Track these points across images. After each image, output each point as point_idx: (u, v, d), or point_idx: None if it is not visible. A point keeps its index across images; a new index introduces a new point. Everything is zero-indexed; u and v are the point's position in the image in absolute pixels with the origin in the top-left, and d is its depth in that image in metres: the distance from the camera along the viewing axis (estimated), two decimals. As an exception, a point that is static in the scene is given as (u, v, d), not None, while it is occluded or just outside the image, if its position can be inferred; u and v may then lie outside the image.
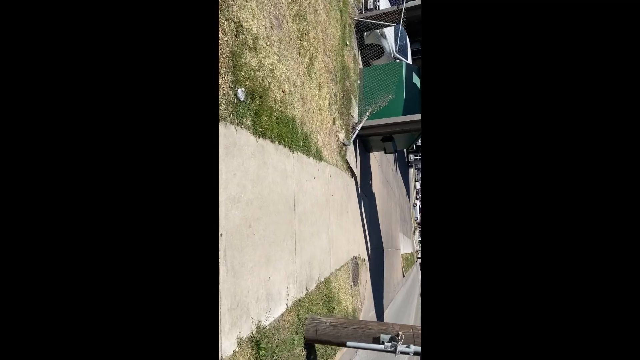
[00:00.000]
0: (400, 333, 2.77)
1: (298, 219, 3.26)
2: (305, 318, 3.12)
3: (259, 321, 2.44)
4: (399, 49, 8.13)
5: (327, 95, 4.46)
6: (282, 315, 2.80)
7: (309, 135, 3.64)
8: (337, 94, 4.91)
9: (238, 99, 2.27)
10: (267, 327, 2.52)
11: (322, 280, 3.87)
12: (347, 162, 5.36)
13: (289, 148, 3.10)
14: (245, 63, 2.36)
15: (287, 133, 3.02)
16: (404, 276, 13.70)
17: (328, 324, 3.05)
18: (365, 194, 6.96)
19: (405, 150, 15.62)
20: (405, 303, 13.88)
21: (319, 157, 3.96)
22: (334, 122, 4.70)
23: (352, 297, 5.18)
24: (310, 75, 3.74)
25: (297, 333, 2.94)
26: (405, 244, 15.32)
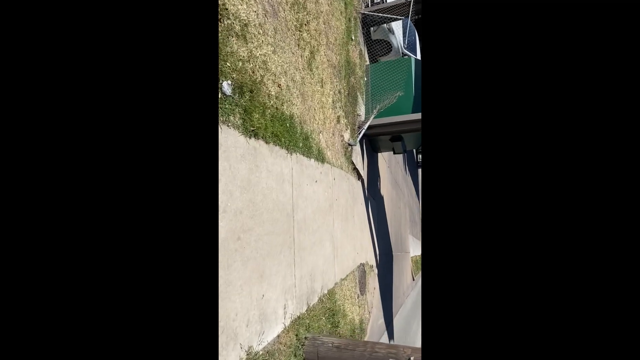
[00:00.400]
0: (412, 358, 2.42)
1: (297, 228, 2.94)
2: (306, 338, 2.80)
3: (250, 347, 2.12)
4: (407, 44, 7.76)
5: (331, 92, 4.13)
6: (278, 336, 2.48)
7: (309, 135, 3.32)
8: (342, 90, 4.58)
9: (223, 93, 1.96)
10: (260, 353, 2.21)
11: (326, 292, 3.55)
12: (353, 163, 5.02)
13: (287, 149, 2.79)
14: (232, 52, 2.05)
15: (283, 132, 2.70)
16: (413, 279, 13.25)
17: (331, 345, 2.72)
18: (373, 197, 6.61)
19: (414, 150, 15.15)
20: (416, 307, 13.43)
21: (321, 158, 3.63)
22: (338, 121, 4.37)
23: (359, 307, 4.83)
24: (311, 70, 3.42)
25: (295, 355, 2.62)
26: (415, 247, 14.86)
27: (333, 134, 4.20)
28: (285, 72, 2.81)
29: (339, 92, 4.45)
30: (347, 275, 4.38)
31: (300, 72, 3.16)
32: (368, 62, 6.52)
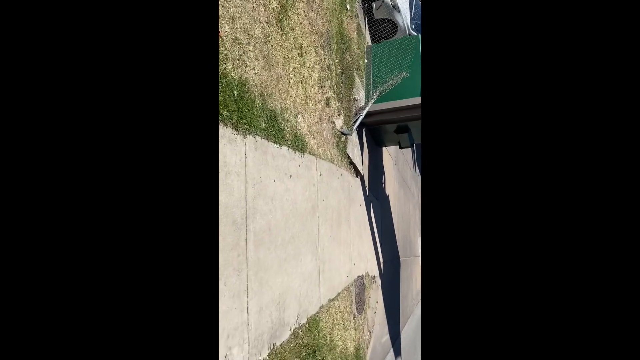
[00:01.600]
0: None
1: (254, 240, 2.04)
2: (261, 401, 1.90)
3: None
4: (415, 27, 6.79)
5: (317, 66, 3.22)
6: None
7: (279, 114, 2.42)
8: (333, 67, 3.66)
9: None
10: None
11: (304, 322, 2.64)
12: (349, 157, 4.09)
13: (235, 128, 1.89)
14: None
15: (227, 103, 1.81)
16: (424, 285, 12.18)
17: (296, 413, 1.81)
18: (376, 197, 5.65)
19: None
20: (426, 313, 12.34)
21: (299, 147, 2.73)
22: (327, 103, 3.46)
23: (356, 330, 3.90)
24: (282, 29, 2.52)
25: None
26: (425, 249, 13.73)
27: (320, 119, 3.29)
28: (233, 18, 1.92)
29: (329, 68, 3.53)
30: (338, 294, 3.46)
31: (263, 27, 2.26)
32: (369, 43, 5.57)
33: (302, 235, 2.71)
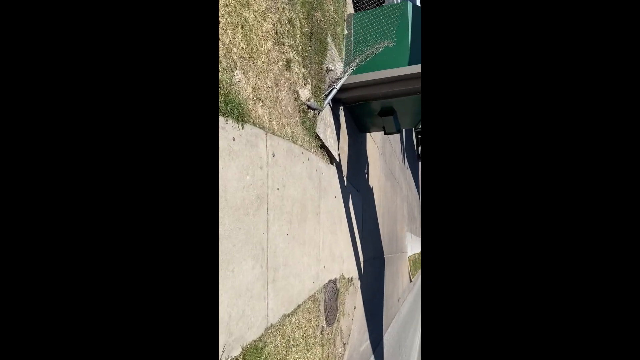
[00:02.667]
0: None
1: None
2: None
3: None
4: None
5: (272, 15, 2.41)
6: None
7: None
8: (297, 23, 2.85)
9: None
10: None
11: (236, 354, 1.87)
12: (320, 138, 3.31)
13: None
14: None
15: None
16: (411, 281, 11.53)
17: None
18: (357, 188, 4.88)
19: (414, 133, 13.04)
20: (413, 309, 11.74)
21: (235, 114, 1.93)
22: (288, 67, 2.65)
23: (323, 347, 3.15)
24: (203, -62, 1.70)
25: None
26: (414, 244, 13.07)
27: (276, 85, 2.49)
28: None
29: (290, 22, 2.72)
30: (298, 306, 2.70)
31: None
32: (352, 12, 4.75)
33: (237, 236, 1.93)
